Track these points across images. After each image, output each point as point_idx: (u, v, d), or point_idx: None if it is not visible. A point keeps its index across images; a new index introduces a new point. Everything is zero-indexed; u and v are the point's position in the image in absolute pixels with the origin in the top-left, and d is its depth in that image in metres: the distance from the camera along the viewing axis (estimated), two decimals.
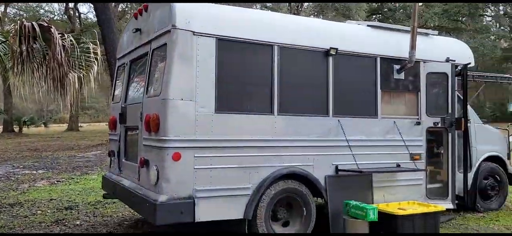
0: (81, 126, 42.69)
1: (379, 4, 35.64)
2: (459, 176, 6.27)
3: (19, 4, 31.99)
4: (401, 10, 33.50)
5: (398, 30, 6.21)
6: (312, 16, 30.41)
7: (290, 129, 5.00)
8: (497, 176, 7.03)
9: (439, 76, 6.16)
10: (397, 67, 5.79)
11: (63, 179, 10.08)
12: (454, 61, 6.19)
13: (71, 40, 6.70)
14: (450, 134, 6.12)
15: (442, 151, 6.22)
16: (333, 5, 29.15)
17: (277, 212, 4.98)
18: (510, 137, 7.47)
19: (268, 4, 30.70)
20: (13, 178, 10.24)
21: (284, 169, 4.90)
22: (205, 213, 4.48)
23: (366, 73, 5.64)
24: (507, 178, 7.14)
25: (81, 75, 7.27)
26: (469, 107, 6.54)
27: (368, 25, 6.08)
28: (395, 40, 5.91)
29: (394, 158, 5.66)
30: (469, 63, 6.40)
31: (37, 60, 6.78)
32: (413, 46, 5.63)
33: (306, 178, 5.04)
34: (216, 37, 4.63)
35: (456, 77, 6.23)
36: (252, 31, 4.88)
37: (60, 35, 6.49)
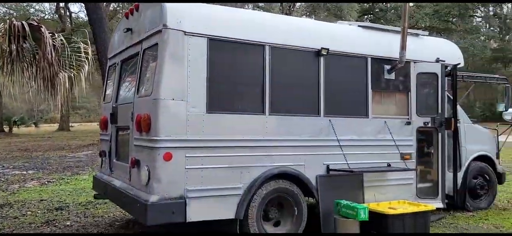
0: (72, 126, 42.40)
1: (370, 4, 35.82)
2: (449, 175, 6.33)
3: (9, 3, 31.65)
4: (392, 10, 33.72)
5: (389, 30, 6.26)
6: (304, 16, 30.49)
7: (281, 129, 5.02)
8: (487, 176, 7.10)
9: (429, 76, 6.21)
10: (387, 67, 5.83)
11: (53, 180, 10.01)
12: (444, 61, 6.25)
13: (61, 40, 6.66)
14: (440, 134, 6.18)
15: (432, 151, 6.27)
16: (325, 5, 29.25)
17: (269, 212, 4.99)
18: (499, 136, 7.54)
19: (260, 4, 30.71)
20: (2, 179, 10.15)
21: (276, 169, 4.92)
22: (196, 213, 4.48)
23: (357, 73, 5.67)
24: (496, 178, 7.21)
25: (72, 75, 7.22)
26: (458, 107, 6.60)
27: (359, 26, 6.12)
28: (386, 41, 5.95)
29: (385, 158, 5.70)
30: (459, 64, 6.46)
31: (27, 60, 6.74)
32: (403, 47, 5.68)
33: (297, 178, 5.06)
34: (208, 37, 4.63)
35: (446, 78, 6.29)
36: (243, 31, 4.88)
37: (50, 34, 6.45)
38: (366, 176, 5.48)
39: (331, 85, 5.36)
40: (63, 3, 31.95)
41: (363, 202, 5.36)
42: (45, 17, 33.51)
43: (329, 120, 5.32)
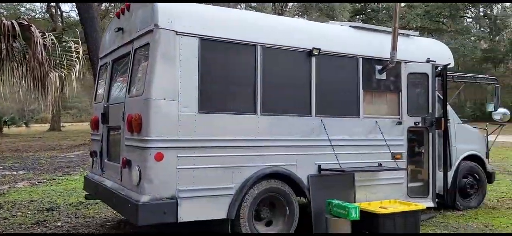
0: (63, 126, 42.10)
1: (362, 4, 36.02)
2: (440, 175, 6.37)
3: None
4: (384, 11, 33.95)
5: (380, 31, 6.29)
6: (296, 17, 30.56)
7: (273, 129, 5.02)
8: (476, 175, 7.16)
9: (419, 77, 6.26)
10: (379, 67, 5.86)
11: (44, 180, 9.93)
12: (435, 61, 6.30)
13: (52, 39, 6.61)
14: (430, 134, 6.22)
15: (422, 150, 6.32)
16: (317, 5, 29.34)
17: (260, 212, 5.00)
18: (488, 136, 7.62)
19: (253, 4, 30.73)
20: None
21: (267, 168, 4.92)
22: (188, 213, 4.47)
23: (349, 73, 5.69)
24: (485, 177, 7.28)
25: (63, 75, 7.17)
26: (449, 107, 6.65)
27: (350, 26, 6.14)
28: (377, 41, 5.98)
29: (376, 158, 5.73)
30: (449, 64, 6.51)
31: (17, 59, 6.68)
32: (394, 47, 5.71)
33: (289, 178, 5.07)
34: (199, 37, 4.62)
35: (436, 78, 6.34)
36: (235, 31, 4.88)
37: (40, 34, 6.39)
38: (357, 176, 5.51)
39: (322, 85, 5.38)
40: (54, 3, 31.69)
41: (355, 202, 5.38)
42: (36, 16, 33.26)
43: (321, 120, 5.34)
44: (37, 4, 34.67)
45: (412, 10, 32.59)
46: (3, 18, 6.44)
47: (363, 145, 5.66)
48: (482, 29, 41.52)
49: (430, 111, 6.21)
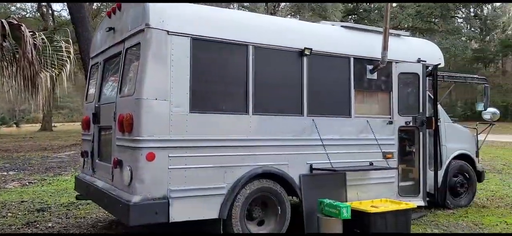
0: (54, 126, 41.74)
1: (354, 4, 36.18)
2: (430, 174, 6.42)
3: None
4: (376, 11, 34.11)
5: (372, 31, 6.33)
6: (289, 16, 30.60)
7: (265, 128, 5.03)
8: (466, 174, 7.23)
9: (410, 76, 6.31)
10: (370, 67, 5.89)
11: (35, 181, 9.86)
12: (425, 61, 6.34)
13: (42, 38, 6.57)
14: (421, 133, 6.27)
15: (413, 150, 6.37)
16: (309, 5, 29.40)
17: (252, 211, 5.01)
18: (478, 135, 7.69)
19: (245, 4, 30.72)
20: None
21: (259, 168, 4.93)
22: (179, 213, 4.47)
23: (340, 73, 5.72)
24: (475, 176, 7.35)
25: (54, 74, 7.12)
26: (439, 106, 6.71)
27: (342, 26, 6.17)
28: (368, 41, 6.01)
29: (367, 157, 5.76)
30: (439, 64, 6.57)
31: (7, 59, 6.63)
32: (385, 47, 5.75)
33: (281, 177, 5.08)
34: (191, 37, 4.61)
35: (427, 77, 6.39)
36: (227, 31, 4.88)
37: (31, 33, 6.35)
38: (348, 175, 5.53)
39: (314, 85, 5.40)
40: (45, 2, 31.44)
41: (346, 201, 5.41)
42: (27, 16, 32.97)
43: (312, 120, 5.36)
44: (28, 3, 34.38)
45: (404, 10, 32.80)
46: None
47: (355, 145, 5.69)
48: (472, 29, 41.87)
49: (421, 110, 6.26)
